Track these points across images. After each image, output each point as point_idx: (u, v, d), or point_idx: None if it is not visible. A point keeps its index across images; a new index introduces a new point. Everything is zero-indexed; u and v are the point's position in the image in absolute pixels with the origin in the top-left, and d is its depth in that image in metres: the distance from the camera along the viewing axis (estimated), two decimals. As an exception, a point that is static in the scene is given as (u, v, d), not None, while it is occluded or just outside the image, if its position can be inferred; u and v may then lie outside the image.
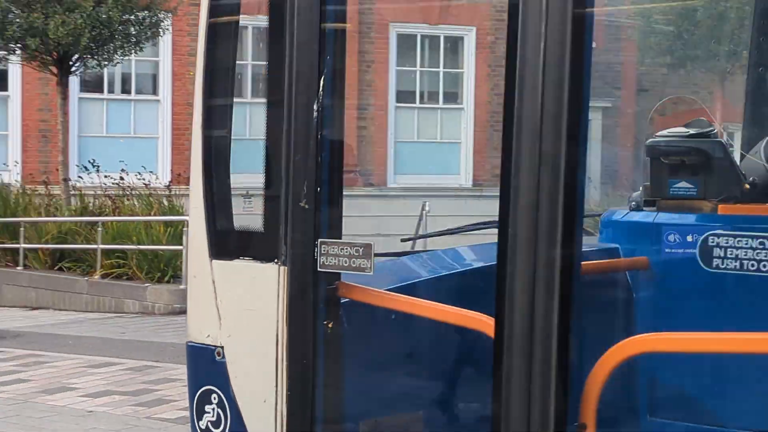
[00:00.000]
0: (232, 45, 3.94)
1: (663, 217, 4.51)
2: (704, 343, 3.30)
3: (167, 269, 17.12)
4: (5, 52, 19.11)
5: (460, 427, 3.99)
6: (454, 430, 4.15)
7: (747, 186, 4.36)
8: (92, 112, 23.17)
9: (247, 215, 4.09)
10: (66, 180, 19.29)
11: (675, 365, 4.32)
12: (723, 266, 2.86)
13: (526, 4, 3.03)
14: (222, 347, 3.87)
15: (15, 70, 22.11)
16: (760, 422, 4.21)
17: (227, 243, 3.88)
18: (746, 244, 2.89)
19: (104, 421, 9.03)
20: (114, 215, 18.58)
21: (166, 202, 19.14)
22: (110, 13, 18.01)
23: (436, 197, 19.77)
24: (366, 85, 23.94)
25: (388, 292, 3.89)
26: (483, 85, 24.55)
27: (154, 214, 18.50)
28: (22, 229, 18.42)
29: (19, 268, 18.44)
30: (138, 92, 23.66)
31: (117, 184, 19.57)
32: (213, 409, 3.90)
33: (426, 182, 23.57)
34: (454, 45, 25.25)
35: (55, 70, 18.87)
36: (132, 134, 23.34)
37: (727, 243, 2.89)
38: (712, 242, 2.93)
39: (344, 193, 3.74)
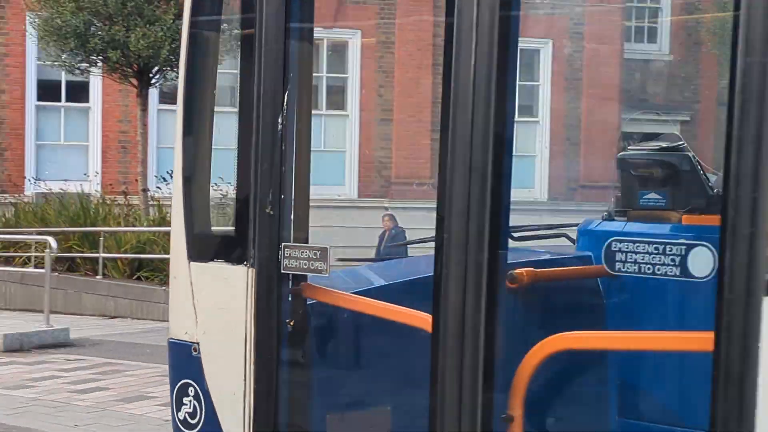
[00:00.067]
0: (212, 60, 4.25)
1: (630, 227, 4.74)
2: (614, 341, 3.79)
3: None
4: (87, 64, 19.38)
5: (408, 418, 4.20)
6: (404, 421, 4.38)
7: (711, 197, 4.60)
8: (171, 123, 23.29)
9: (223, 220, 4.47)
10: (145, 190, 19.52)
11: (601, 361, 4.73)
12: (624, 270, 3.16)
13: (459, 29, 3.33)
14: (198, 343, 4.17)
15: (96, 82, 22.42)
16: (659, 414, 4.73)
17: (203, 246, 4.17)
18: (644, 249, 3.12)
19: (181, 429, 9.10)
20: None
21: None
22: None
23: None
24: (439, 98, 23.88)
25: (345, 293, 4.21)
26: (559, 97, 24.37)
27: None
28: (101, 238, 18.63)
29: (98, 277, 18.64)
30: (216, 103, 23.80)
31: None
32: (190, 401, 4.21)
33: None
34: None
35: (135, 82, 19.12)
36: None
37: (627, 248, 3.14)
38: (615, 247, 3.14)
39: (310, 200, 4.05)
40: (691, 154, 4.73)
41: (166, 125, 23.21)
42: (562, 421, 4.69)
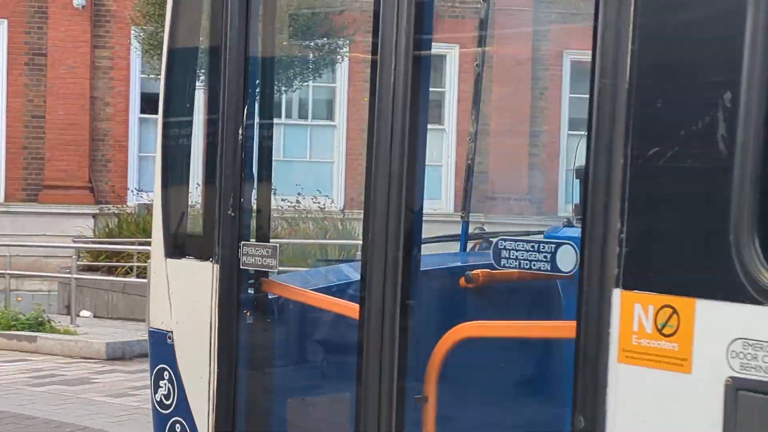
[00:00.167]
0: (191, 70, 4.74)
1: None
2: (505, 330, 4.11)
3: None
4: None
5: (346, 398, 4.49)
6: (340, 403, 4.70)
7: None
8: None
9: (195, 221, 4.87)
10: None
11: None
12: (507, 265, 3.52)
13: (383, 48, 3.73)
14: (172, 332, 4.62)
15: (198, 96, 22.75)
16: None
17: (177, 244, 4.62)
18: (522, 247, 3.48)
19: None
20: (289, 238, 18.91)
21: (340, 226, 19.37)
22: (290, 40, 18.41)
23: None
24: (539, 112, 23.83)
25: (295, 287, 4.65)
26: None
27: (329, 238, 18.75)
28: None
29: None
30: (315, 117, 24.06)
31: (293, 207, 19.93)
32: (165, 384, 4.64)
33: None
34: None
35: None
36: (308, 159, 23.74)
37: (510, 247, 3.47)
38: (501, 246, 3.48)
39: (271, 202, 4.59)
40: None
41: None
42: (473, 403, 4.92)
